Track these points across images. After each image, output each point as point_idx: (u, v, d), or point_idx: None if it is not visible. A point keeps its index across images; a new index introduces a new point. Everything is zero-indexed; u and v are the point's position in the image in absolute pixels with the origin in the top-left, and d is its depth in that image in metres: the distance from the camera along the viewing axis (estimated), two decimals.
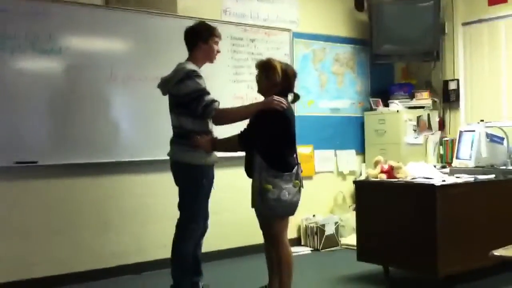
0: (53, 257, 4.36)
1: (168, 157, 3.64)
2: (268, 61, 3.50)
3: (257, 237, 3.71)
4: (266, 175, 3.28)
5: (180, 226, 3.58)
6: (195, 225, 3.58)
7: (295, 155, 3.47)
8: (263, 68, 3.47)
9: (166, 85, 3.57)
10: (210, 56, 3.66)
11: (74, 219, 4.47)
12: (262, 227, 3.55)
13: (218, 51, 3.68)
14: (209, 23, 3.77)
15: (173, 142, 3.61)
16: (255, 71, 3.56)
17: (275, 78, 3.41)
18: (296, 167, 3.40)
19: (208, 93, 3.45)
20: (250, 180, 3.45)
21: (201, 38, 3.59)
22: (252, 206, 3.55)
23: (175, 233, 3.58)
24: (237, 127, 3.48)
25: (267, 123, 3.36)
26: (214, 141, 3.54)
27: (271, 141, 3.35)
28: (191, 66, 3.52)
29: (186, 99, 3.42)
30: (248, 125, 3.47)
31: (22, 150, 4.18)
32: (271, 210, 3.33)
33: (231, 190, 4.90)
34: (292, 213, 3.45)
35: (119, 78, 4.61)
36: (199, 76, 3.46)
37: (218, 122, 3.57)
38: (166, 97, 3.63)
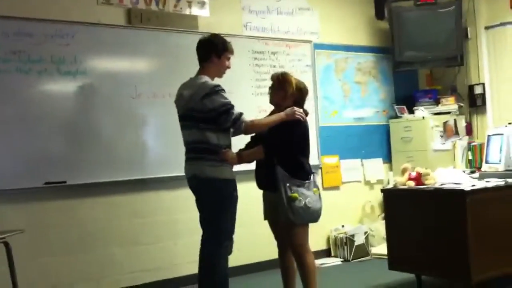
0: (83, 275, 4.40)
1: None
2: (283, 73, 3.68)
3: (271, 252, 3.76)
4: (290, 185, 3.40)
5: (215, 244, 3.39)
6: (230, 240, 3.46)
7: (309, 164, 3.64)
8: (278, 80, 3.63)
9: (186, 101, 3.45)
10: (220, 72, 3.59)
11: (103, 237, 4.51)
12: (282, 237, 3.62)
13: (228, 67, 3.61)
14: (229, 38, 3.73)
15: (197, 158, 3.45)
16: None
17: (289, 90, 3.58)
18: (312, 175, 3.55)
19: (234, 107, 3.42)
20: (259, 193, 3.56)
21: (215, 51, 3.52)
22: (265, 219, 3.70)
23: (208, 252, 3.41)
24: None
25: (291, 133, 3.49)
26: (240, 154, 3.55)
27: (293, 150, 3.50)
28: (210, 80, 3.47)
29: (213, 114, 3.36)
30: (271, 135, 3.52)
31: (51, 171, 4.24)
32: (300, 218, 3.43)
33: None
34: (317, 220, 3.55)
35: (144, 95, 4.69)
36: (223, 90, 3.42)
37: (246, 133, 3.60)
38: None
